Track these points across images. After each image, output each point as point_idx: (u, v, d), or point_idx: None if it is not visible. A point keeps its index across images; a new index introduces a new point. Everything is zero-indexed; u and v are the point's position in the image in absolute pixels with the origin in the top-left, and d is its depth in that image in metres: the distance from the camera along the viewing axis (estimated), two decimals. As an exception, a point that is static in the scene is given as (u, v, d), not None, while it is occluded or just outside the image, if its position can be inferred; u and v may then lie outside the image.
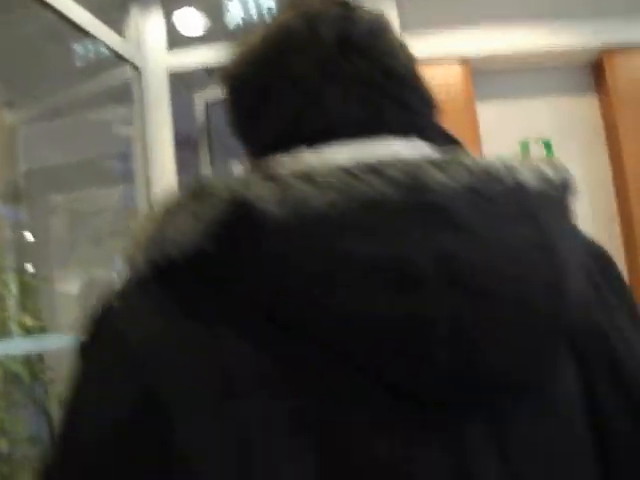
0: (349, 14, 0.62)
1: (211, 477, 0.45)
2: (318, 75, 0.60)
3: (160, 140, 2.92)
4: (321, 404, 0.48)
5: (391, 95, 0.61)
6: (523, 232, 0.52)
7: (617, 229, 3.50)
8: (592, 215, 3.52)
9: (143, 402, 0.47)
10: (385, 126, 0.60)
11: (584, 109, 3.58)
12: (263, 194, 0.47)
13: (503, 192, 0.53)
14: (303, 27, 0.61)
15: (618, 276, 0.65)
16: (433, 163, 0.52)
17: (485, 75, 3.44)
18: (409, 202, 0.49)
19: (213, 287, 0.49)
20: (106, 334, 0.51)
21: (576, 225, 0.60)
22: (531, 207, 0.53)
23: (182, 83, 4.11)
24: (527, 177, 0.54)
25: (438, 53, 3.25)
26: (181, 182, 3.02)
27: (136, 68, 2.91)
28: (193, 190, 0.50)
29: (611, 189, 3.52)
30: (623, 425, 0.55)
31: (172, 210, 0.50)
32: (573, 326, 0.54)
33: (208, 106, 3.50)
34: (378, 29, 0.64)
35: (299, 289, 0.47)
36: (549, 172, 0.56)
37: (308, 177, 0.49)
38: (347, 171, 0.49)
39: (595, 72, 3.58)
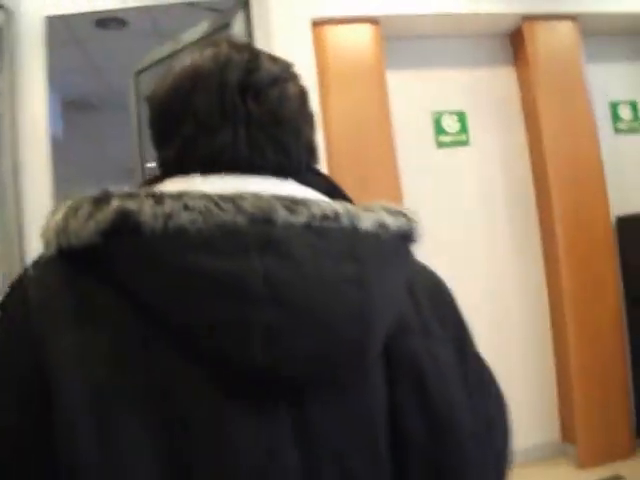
0: (253, 63, 0.73)
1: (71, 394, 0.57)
2: (217, 114, 0.71)
3: (32, 93, 2.52)
4: (168, 382, 0.59)
5: (275, 139, 0.72)
6: (342, 268, 0.64)
7: (533, 206, 3.28)
8: (509, 189, 3.28)
9: (28, 331, 0.60)
10: (264, 166, 0.71)
11: (502, 80, 3.34)
12: (142, 207, 0.60)
13: (337, 233, 0.65)
14: (212, 69, 0.72)
15: (449, 309, 0.78)
16: (284, 202, 0.64)
17: (397, 40, 3.14)
18: (253, 231, 0.61)
19: (98, 269, 0.62)
20: (18, 290, 0.65)
21: (414, 264, 0.75)
22: (358, 248, 0.66)
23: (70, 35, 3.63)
24: (365, 223, 0.67)
25: (347, 12, 2.93)
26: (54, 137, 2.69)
27: (7, 11, 2.55)
28: (96, 196, 0.62)
29: (528, 164, 3.30)
30: (421, 438, 0.67)
31: (77, 208, 0.62)
32: (385, 348, 0.67)
33: (138, 73, 3.13)
34: (278, 79, 0.73)
35: (156, 287, 0.60)
36: (390, 220, 0.69)
37: (180, 198, 0.62)
38: (211, 198, 0.62)
39: (514, 41, 3.34)
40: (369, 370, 0.66)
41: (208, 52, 0.74)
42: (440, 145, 3.24)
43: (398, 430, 0.67)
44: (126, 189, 0.63)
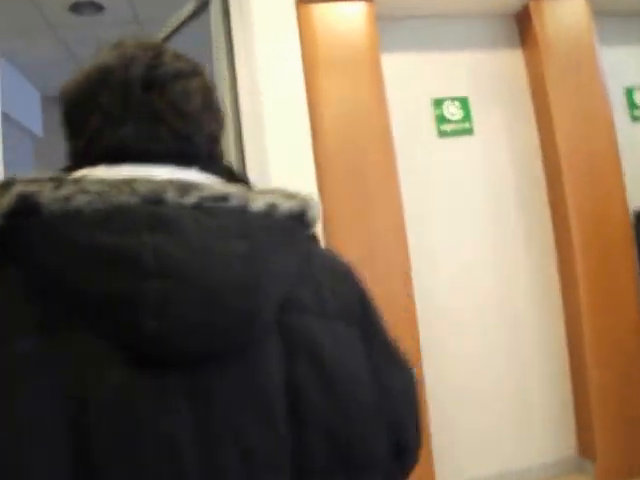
0: (157, 60, 0.80)
1: None
2: (121, 108, 0.77)
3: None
4: (69, 351, 0.64)
5: (176, 132, 0.78)
6: (230, 244, 0.69)
7: (545, 201, 3.01)
8: (518, 183, 3.01)
9: None
10: (165, 156, 0.77)
11: (507, 64, 3.06)
12: (42, 191, 0.67)
13: (227, 213, 0.71)
14: (117, 67, 0.78)
15: (352, 293, 0.82)
16: (175, 185, 0.70)
17: (392, 20, 2.87)
18: (145, 211, 0.68)
19: (3, 252, 0.67)
20: None
21: (315, 247, 0.82)
22: (247, 227, 0.71)
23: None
24: (256, 204, 0.73)
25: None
26: None
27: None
28: (1, 182, 0.68)
29: (538, 155, 3.02)
30: (319, 409, 0.72)
31: None
32: (280, 324, 0.72)
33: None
34: (180, 74, 0.80)
35: (56, 263, 0.66)
36: (281, 201, 0.75)
37: (78, 182, 0.68)
38: (106, 182, 0.69)
39: (520, 21, 3.07)
40: (264, 343, 0.71)
41: (115, 51, 0.80)
42: (442, 134, 2.97)
43: (296, 402, 0.72)
44: (32, 175, 0.69)
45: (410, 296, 2.57)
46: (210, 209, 0.70)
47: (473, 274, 2.88)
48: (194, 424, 0.67)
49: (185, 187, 0.70)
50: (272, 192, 0.76)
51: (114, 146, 0.76)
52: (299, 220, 0.77)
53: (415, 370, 0.92)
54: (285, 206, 0.75)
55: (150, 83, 0.77)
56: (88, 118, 0.78)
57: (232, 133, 2.38)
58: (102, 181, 0.68)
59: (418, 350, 2.55)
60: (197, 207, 0.70)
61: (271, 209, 0.73)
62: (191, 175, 0.76)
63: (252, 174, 2.30)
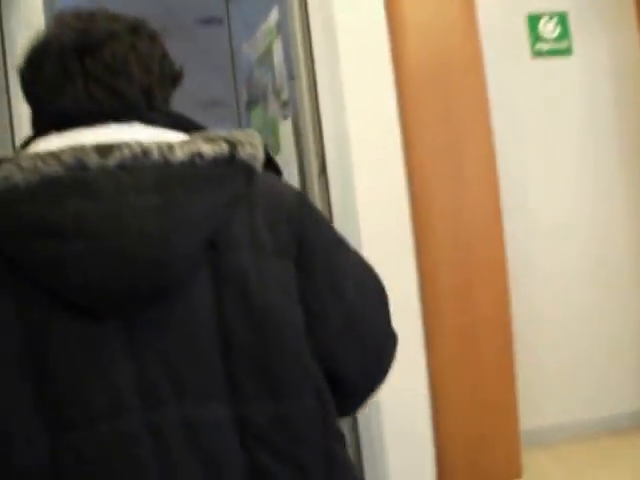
0: (89, 24, 0.86)
1: None
2: (59, 75, 0.83)
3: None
4: (21, 311, 0.75)
5: (112, 89, 0.83)
6: (145, 199, 0.75)
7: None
8: (621, 110, 2.70)
9: None
10: (103, 114, 0.83)
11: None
12: None
13: (146, 169, 0.76)
14: (54, 37, 0.85)
15: (295, 226, 0.85)
16: (98, 149, 0.76)
17: None
18: (69, 178, 0.75)
19: None
20: None
21: (261, 184, 0.84)
22: (165, 180, 0.77)
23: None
24: (177, 155, 0.77)
25: None
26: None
27: None
28: None
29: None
30: (245, 336, 0.79)
31: None
32: (212, 263, 0.79)
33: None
34: (112, 35, 0.85)
35: (4, 233, 0.75)
36: (206, 148, 0.78)
37: (15, 160, 0.75)
38: (39, 156, 0.75)
39: None
40: (191, 285, 0.79)
41: (54, 22, 0.88)
42: (536, 54, 2.67)
43: (224, 333, 0.79)
44: None
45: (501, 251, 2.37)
46: (131, 167, 0.76)
47: (570, 225, 2.64)
48: (133, 371, 0.76)
49: (107, 150, 0.76)
50: (198, 139, 0.80)
51: (56, 113, 0.83)
52: (228, 162, 0.80)
53: (377, 286, 0.96)
54: (209, 152, 0.78)
55: (83, 48, 0.83)
56: (35, 89, 0.86)
57: (305, 71, 2.20)
58: (35, 156, 0.75)
59: (508, 308, 2.35)
60: (120, 167, 0.76)
61: (194, 157, 0.78)
62: (131, 130, 0.83)
63: (326, 114, 2.14)
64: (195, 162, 0.78)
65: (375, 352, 0.94)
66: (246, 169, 0.82)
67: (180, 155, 0.77)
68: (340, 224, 2.07)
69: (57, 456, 0.74)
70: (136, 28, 0.88)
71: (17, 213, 0.75)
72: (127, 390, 0.76)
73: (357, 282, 0.92)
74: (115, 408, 0.75)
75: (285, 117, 2.41)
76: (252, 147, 0.82)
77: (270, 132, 2.64)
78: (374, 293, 0.95)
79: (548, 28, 2.66)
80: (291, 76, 2.31)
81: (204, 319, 0.79)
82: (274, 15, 2.44)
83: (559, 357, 2.68)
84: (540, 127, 2.66)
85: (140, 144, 0.77)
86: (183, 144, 0.78)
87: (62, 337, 0.75)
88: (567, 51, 2.68)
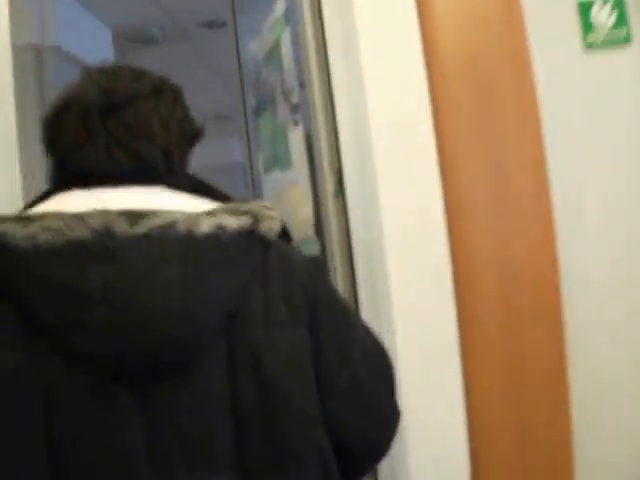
0: (114, 84, 0.88)
1: None
2: (81, 133, 0.85)
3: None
4: (38, 368, 0.76)
5: (132, 151, 0.86)
6: (171, 271, 0.77)
7: None
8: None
9: None
10: (124, 176, 0.85)
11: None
12: (8, 230, 0.75)
13: (173, 240, 0.78)
14: (78, 95, 0.88)
15: (304, 292, 0.88)
16: (127, 217, 0.78)
17: None
18: (95, 244, 0.75)
19: None
20: None
21: (273, 254, 0.87)
22: (191, 252, 0.78)
23: None
24: (203, 227, 0.79)
25: None
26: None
27: None
28: None
29: None
30: (256, 409, 0.81)
31: None
32: (227, 339, 0.81)
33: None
34: (136, 96, 0.88)
35: (24, 292, 0.76)
36: (230, 221, 0.81)
37: (41, 220, 0.76)
38: (63, 218, 0.76)
39: None
40: (207, 359, 0.80)
41: (79, 79, 0.90)
42: (589, 46, 2.29)
43: (236, 406, 0.81)
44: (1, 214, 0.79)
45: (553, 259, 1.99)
46: (158, 237, 0.78)
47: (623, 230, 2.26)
48: (145, 439, 0.78)
49: (135, 218, 0.79)
50: (222, 211, 0.83)
51: (77, 170, 0.86)
52: (250, 235, 0.84)
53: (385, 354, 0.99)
54: (233, 225, 0.82)
55: (106, 107, 0.86)
56: (55, 144, 0.90)
57: (316, 68, 1.84)
58: (60, 217, 0.77)
59: (563, 354, 1.97)
60: (146, 236, 0.78)
61: (218, 230, 0.81)
62: (155, 194, 0.86)
63: (343, 120, 1.77)
64: (219, 236, 0.80)
65: (380, 420, 0.96)
66: (265, 242, 0.85)
67: (205, 228, 0.80)
68: (361, 256, 1.72)
69: None
70: (159, 88, 0.91)
71: (42, 272, 0.75)
72: (138, 459, 0.77)
73: (364, 352, 0.94)
74: (124, 477, 0.76)
75: (295, 123, 2.05)
76: (271, 220, 0.85)
77: (280, 141, 2.30)
78: (380, 364, 0.98)
79: (602, 15, 2.28)
80: (302, 79, 1.97)
81: (217, 390, 0.81)
82: (281, 4, 2.09)
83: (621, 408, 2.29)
84: (594, 129, 2.28)
85: (168, 214, 0.79)
86: (208, 216, 0.81)
87: (74, 401, 0.77)
88: (625, 40, 2.30)
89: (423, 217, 1.72)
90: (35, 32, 3.17)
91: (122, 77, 0.90)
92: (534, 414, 1.83)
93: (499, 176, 1.90)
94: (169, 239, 0.78)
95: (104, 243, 0.76)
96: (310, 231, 1.96)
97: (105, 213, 0.78)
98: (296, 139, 2.03)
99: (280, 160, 2.29)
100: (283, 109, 2.19)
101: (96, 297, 0.75)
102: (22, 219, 0.77)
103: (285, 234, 0.92)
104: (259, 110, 2.63)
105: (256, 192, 2.79)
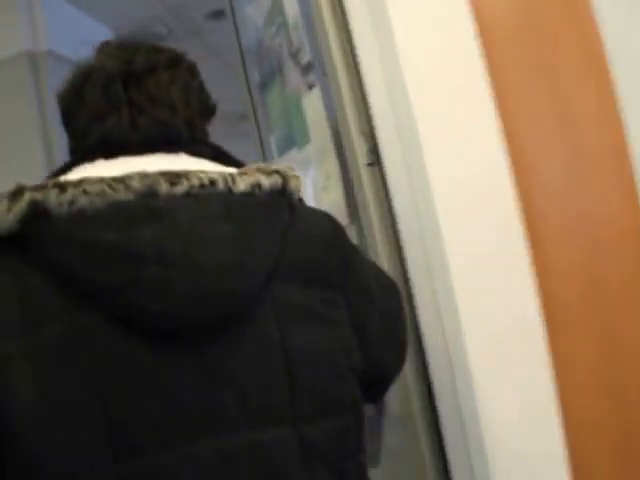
0: (133, 55, 0.89)
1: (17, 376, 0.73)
2: (103, 103, 0.86)
3: None
4: (91, 336, 0.75)
5: (156, 119, 0.87)
6: (219, 227, 0.79)
7: None
8: None
9: None
10: (148, 142, 0.86)
11: None
12: (49, 197, 0.75)
13: (214, 198, 0.80)
14: (98, 66, 0.89)
15: (329, 251, 0.93)
16: (166, 177, 0.78)
17: None
18: (140, 205, 0.76)
19: (23, 253, 0.76)
20: None
21: (300, 215, 0.91)
22: (233, 209, 0.81)
23: None
24: (240, 186, 0.81)
25: None
26: None
27: None
28: (12, 191, 0.75)
29: None
30: (303, 362, 0.84)
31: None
32: (268, 291, 0.84)
33: None
34: (156, 67, 0.89)
35: (69, 259, 0.75)
36: (264, 180, 0.84)
37: (80, 185, 0.75)
38: (105, 181, 0.76)
39: None
40: (257, 312, 0.82)
41: (98, 53, 0.92)
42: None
43: (289, 362, 0.83)
44: (37, 182, 0.77)
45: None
46: (199, 196, 0.80)
47: None
48: (204, 396, 0.78)
49: (175, 178, 0.79)
50: (254, 171, 0.85)
51: (101, 140, 0.86)
52: (281, 194, 0.87)
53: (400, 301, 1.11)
54: (266, 184, 0.84)
55: (128, 77, 0.88)
56: (77, 116, 0.89)
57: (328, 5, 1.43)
58: (101, 180, 0.76)
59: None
60: (187, 195, 0.79)
61: (254, 189, 0.83)
62: (181, 160, 0.87)
63: (372, 70, 1.38)
64: (255, 193, 0.83)
65: (404, 345, 1.10)
66: (291, 202, 0.89)
67: (242, 186, 0.82)
68: (409, 235, 1.35)
69: None
70: (177, 61, 0.94)
71: (87, 238, 0.75)
72: (197, 415, 0.77)
73: (382, 288, 1.03)
74: (187, 432, 0.76)
75: (309, 86, 1.67)
76: (297, 180, 0.89)
77: (293, 115, 1.92)
78: (395, 296, 1.10)
79: None
80: (313, 33, 1.59)
81: (269, 344, 0.83)
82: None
83: None
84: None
85: (206, 173, 0.81)
86: (243, 175, 0.84)
87: (129, 362, 0.76)
88: None
89: (483, 185, 1.33)
90: (27, 39, 3.16)
91: (140, 50, 0.91)
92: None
93: (570, 134, 1.51)
94: (211, 197, 0.80)
95: (148, 203, 0.77)
96: (344, 217, 1.59)
97: (145, 175, 0.78)
98: (312, 106, 1.65)
99: (295, 138, 1.92)
100: (293, 74, 1.81)
101: (148, 256, 0.75)
102: (56, 185, 0.76)
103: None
104: (265, 86, 2.24)
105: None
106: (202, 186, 0.79)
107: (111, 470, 0.73)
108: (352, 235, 1.59)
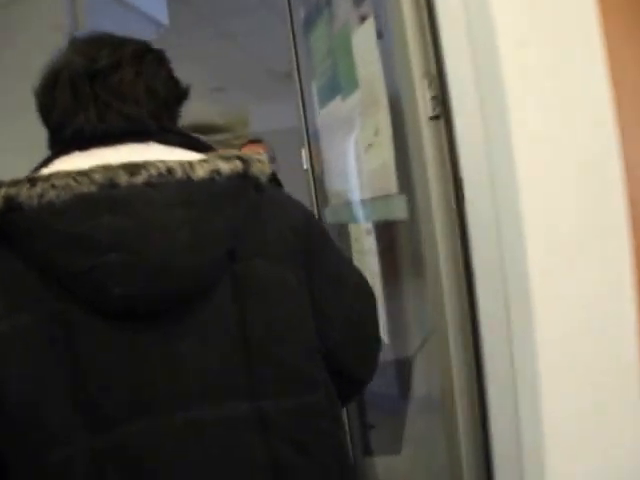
0: (98, 52, 0.92)
1: None
2: (72, 101, 0.90)
3: None
4: (64, 316, 0.83)
5: (122, 113, 0.91)
6: (176, 213, 0.83)
7: None
8: None
9: None
10: (119, 136, 0.90)
11: None
12: (21, 192, 0.81)
13: (172, 185, 0.84)
14: (65, 65, 0.93)
15: (296, 233, 0.95)
16: (127, 168, 0.84)
17: None
18: (102, 196, 0.82)
19: (6, 243, 0.84)
20: None
21: (270, 198, 0.95)
22: (191, 195, 0.85)
23: None
24: (199, 173, 0.85)
25: None
26: None
27: None
28: None
29: None
30: (264, 337, 0.87)
31: None
32: (228, 269, 0.88)
33: None
34: (118, 62, 0.92)
35: (40, 248, 0.82)
36: (223, 165, 0.87)
37: (49, 179, 0.82)
38: (70, 175, 0.82)
39: None
40: (216, 290, 0.87)
41: (65, 50, 0.95)
42: None
43: (245, 334, 0.86)
44: (13, 178, 0.83)
45: None
46: (157, 184, 0.84)
47: None
48: (162, 371, 0.83)
49: (135, 169, 0.84)
50: (214, 157, 0.89)
51: (73, 134, 0.91)
52: (242, 178, 0.90)
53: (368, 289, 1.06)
54: (226, 169, 0.87)
55: (93, 74, 0.91)
56: (51, 113, 0.94)
57: None
58: (67, 174, 0.83)
59: None
60: (147, 184, 0.84)
61: (213, 175, 0.86)
62: (150, 150, 0.91)
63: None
64: (214, 179, 0.86)
65: (370, 345, 1.07)
66: (258, 185, 0.92)
67: (201, 173, 0.86)
68: (476, 210, 1.04)
69: (95, 454, 0.80)
70: (141, 53, 0.96)
71: (54, 227, 0.82)
72: (155, 390, 0.82)
73: (355, 287, 1.02)
74: (151, 406, 0.82)
75: (362, 18, 1.33)
76: (261, 163, 0.92)
77: (340, 56, 1.60)
78: (368, 297, 1.06)
79: None
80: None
81: (227, 322, 0.87)
82: None
83: None
84: None
85: (164, 163, 0.85)
86: (202, 162, 0.87)
87: (100, 343, 0.82)
88: None
89: (586, 151, 1.00)
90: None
91: (105, 45, 0.94)
92: None
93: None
94: (169, 185, 0.84)
95: (109, 194, 0.82)
96: (392, 184, 1.28)
97: (107, 167, 0.84)
98: (364, 42, 1.32)
99: (340, 84, 1.61)
100: (343, 5, 1.49)
101: (108, 243, 0.81)
102: (30, 180, 0.83)
103: (276, 181, 0.99)
104: (310, 24, 1.91)
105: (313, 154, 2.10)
106: (160, 175, 0.84)
107: (85, 440, 0.81)
108: (400, 207, 1.29)
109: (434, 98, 1.07)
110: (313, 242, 0.96)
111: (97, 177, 0.82)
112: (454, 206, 1.06)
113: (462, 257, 1.08)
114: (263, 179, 0.92)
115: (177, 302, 0.85)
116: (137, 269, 0.81)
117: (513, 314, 1.02)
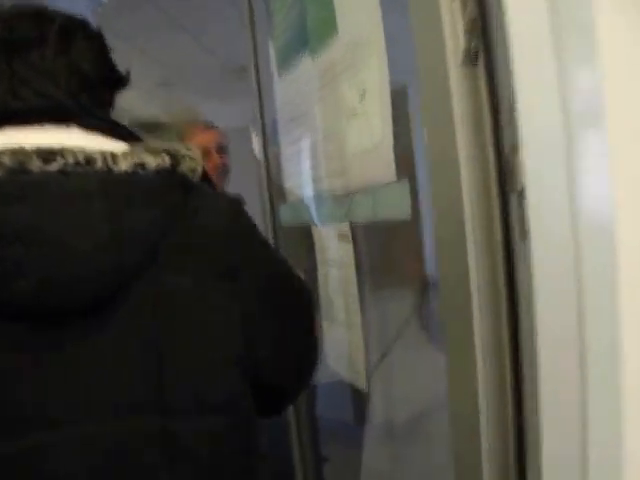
0: (21, 23, 0.87)
1: None
2: None
3: None
4: None
5: (38, 91, 0.84)
6: (92, 206, 0.75)
7: None
8: None
9: None
10: (35, 116, 0.82)
11: None
12: None
13: (90, 176, 0.77)
14: None
15: (224, 242, 0.87)
16: (41, 154, 0.76)
17: None
18: (11, 182, 0.74)
19: None
20: None
21: (189, 197, 0.84)
22: (110, 188, 0.77)
23: None
24: (121, 165, 0.78)
25: None
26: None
27: None
28: None
29: None
30: (177, 352, 0.80)
31: None
32: (139, 277, 0.79)
33: None
34: (41, 37, 0.85)
35: None
36: (149, 159, 0.80)
37: None
38: None
39: None
40: (126, 300, 0.79)
41: None
42: None
43: (157, 347, 0.80)
44: None
45: None
46: (72, 174, 0.77)
47: None
48: (62, 382, 0.76)
49: (49, 155, 0.77)
50: (141, 150, 0.82)
51: None
52: (169, 175, 0.82)
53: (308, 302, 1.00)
54: (152, 164, 0.81)
55: (12, 48, 0.85)
56: None
57: None
58: None
59: None
60: (62, 172, 0.77)
61: (137, 168, 0.80)
62: (70, 134, 0.83)
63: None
64: (138, 173, 0.80)
65: (303, 358, 1.00)
66: (186, 184, 0.85)
67: (123, 166, 0.79)
68: (543, 211, 0.65)
69: None
70: (71, 29, 0.89)
71: None
72: (64, 401, 0.76)
73: (289, 297, 0.96)
74: (41, 420, 0.75)
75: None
76: (192, 161, 0.85)
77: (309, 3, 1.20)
78: (300, 301, 1.00)
79: None
80: None
81: (136, 332, 0.80)
82: None
83: None
84: None
85: (84, 151, 0.78)
86: (126, 154, 0.80)
87: (5, 348, 0.75)
88: None
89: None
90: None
91: (30, 17, 0.88)
92: None
93: None
94: (86, 175, 0.78)
95: (18, 180, 0.76)
96: (386, 168, 0.90)
97: (19, 151, 0.77)
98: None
99: (306, 37, 1.21)
100: None
101: (11, 235, 0.73)
102: None
103: (208, 180, 0.92)
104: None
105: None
106: (77, 164, 0.78)
107: None
108: (401, 196, 0.90)
109: (469, 34, 0.69)
110: (242, 249, 0.89)
111: (6, 161, 0.76)
112: (497, 201, 0.67)
113: (505, 281, 0.68)
114: (193, 177, 0.86)
115: (86, 306, 0.77)
116: (43, 264, 0.74)
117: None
